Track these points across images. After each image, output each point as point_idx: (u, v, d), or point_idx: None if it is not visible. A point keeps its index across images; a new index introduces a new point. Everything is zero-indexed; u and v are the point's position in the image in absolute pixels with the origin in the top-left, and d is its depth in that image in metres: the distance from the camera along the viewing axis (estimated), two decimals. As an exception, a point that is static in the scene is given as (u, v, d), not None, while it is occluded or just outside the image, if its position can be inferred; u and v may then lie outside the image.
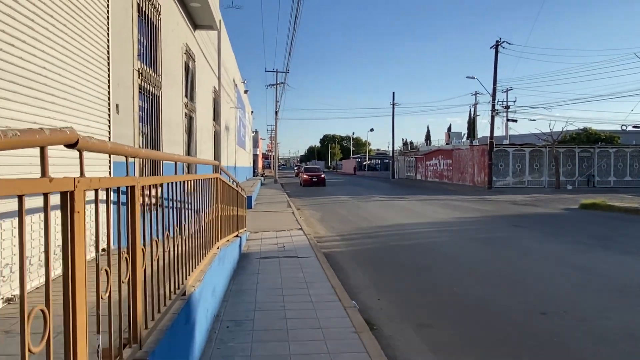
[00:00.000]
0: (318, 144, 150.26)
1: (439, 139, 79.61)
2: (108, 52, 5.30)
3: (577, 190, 30.78)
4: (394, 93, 53.64)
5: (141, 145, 7.01)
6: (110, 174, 5.35)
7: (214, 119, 15.59)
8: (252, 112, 48.66)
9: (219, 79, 17.00)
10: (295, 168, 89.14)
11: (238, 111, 26.47)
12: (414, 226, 13.48)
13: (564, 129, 34.44)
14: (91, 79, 4.88)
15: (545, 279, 7.36)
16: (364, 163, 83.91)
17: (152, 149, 7.69)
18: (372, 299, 6.36)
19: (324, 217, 16.33)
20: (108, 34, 5.29)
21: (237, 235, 8.54)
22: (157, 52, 7.68)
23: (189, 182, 3.93)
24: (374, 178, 58.84)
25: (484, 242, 10.83)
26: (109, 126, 5.32)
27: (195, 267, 4.08)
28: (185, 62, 10.28)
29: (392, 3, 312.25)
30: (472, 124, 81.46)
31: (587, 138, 40.55)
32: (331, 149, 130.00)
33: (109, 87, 5.32)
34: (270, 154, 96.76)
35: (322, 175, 37.28)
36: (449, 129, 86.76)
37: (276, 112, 41.49)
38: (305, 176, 36.88)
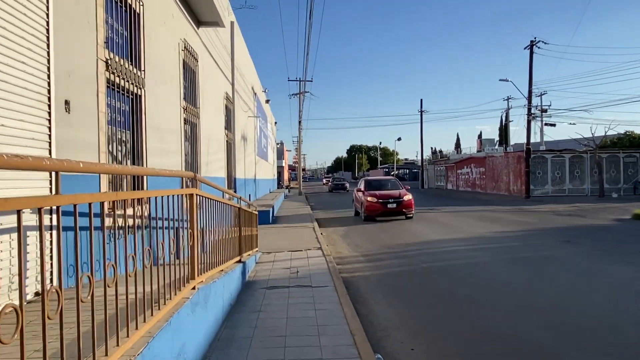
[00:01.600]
0: (345, 155, 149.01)
1: (470, 147, 77.17)
2: (47, 31, 4.03)
3: (623, 199, 28.40)
4: (421, 100, 51.99)
5: (113, 154, 5.72)
6: (52, 190, 4.05)
7: (226, 128, 14.37)
8: (275, 122, 47.65)
9: (232, 84, 15.80)
10: (324, 180, 78.27)
11: (258, 121, 25.31)
12: (449, 243, 11.86)
13: (607, 133, 32.09)
14: (15, 63, 3.60)
15: (632, 319, 5.70)
16: (392, 173, 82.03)
17: (133, 159, 6.41)
18: (403, 349, 4.85)
19: (348, 233, 14.85)
20: (47, 6, 4.02)
21: (239, 261, 7.17)
22: (139, 43, 6.43)
23: (122, 203, 2.55)
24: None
25: (535, 263, 9.16)
26: (49, 127, 4.03)
27: (137, 328, 2.71)
28: (184, 61, 9.05)
29: (419, 11, 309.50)
30: (503, 131, 78.68)
31: (629, 142, 37.90)
32: (358, 160, 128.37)
33: (49, 76, 4.04)
34: (296, 165, 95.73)
35: (408, 198, 18.15)
36: (480, 136, 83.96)
37: (299, 122, 40.34)
38: (370, 200, 18.06)
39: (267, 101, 32.45)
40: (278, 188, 47.37)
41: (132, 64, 6.22)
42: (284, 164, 67.47)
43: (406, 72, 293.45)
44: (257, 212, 10.10)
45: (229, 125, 15.21)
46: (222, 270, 5.79)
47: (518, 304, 6.38)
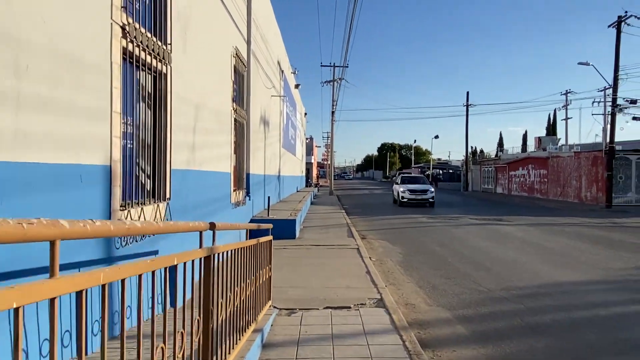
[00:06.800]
0: (375, 153, 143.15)
1: (513, 147, 71.00)
2: None
3: None
4: (467, 93, 46.47)
5: None
6: None
7: (235, 101, 9.83)
8: (305, 113, 43.10)
9: (247, 42, 11.27)
10: (398, 184, 26.13)
11: (285, 104, 20.77)
12: (598, 294, 7.05)
13: None
14: None
15: None
16: (427, 173, 76.65)
17: None
18: None
19: (408, 257, 10.17)
20: None
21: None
22: None
23: None
24: (443, 190, 51.65)
25: None
26: None
27: None
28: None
29: (468, 9, 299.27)
30: (552, 129, 72.25)
31: None
32: (390, 158, 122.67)
33: None
34: (325, 162, 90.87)
35: None
36: (525, 135, 77.88)
37: (332, 113, 35.62)
38: None
39: (297, 86, 27.92)
40: (306, 186, 42.84)
41: None
42: (312, 161, 62.91)
43: (435, 67, 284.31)
44: (270, 238, 5.51)
45: (241, 98, 10.67)
46: None
47: None
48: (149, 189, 5.22)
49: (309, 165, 54.97)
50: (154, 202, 5.16)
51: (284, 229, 11.68)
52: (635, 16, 23.98)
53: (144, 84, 5.09)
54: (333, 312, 5.63)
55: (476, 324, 5.73)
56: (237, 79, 10.07)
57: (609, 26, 25.16)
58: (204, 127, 7.25)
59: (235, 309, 3.55)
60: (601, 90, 41.02)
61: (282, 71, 19.92)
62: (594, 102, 38.44)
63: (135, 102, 4.86)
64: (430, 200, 24.76)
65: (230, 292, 3.28)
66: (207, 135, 7.43)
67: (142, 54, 4.79)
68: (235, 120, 9.84)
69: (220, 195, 8.48)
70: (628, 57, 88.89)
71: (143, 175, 5.09)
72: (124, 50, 4.41)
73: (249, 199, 11.28)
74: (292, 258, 9.20)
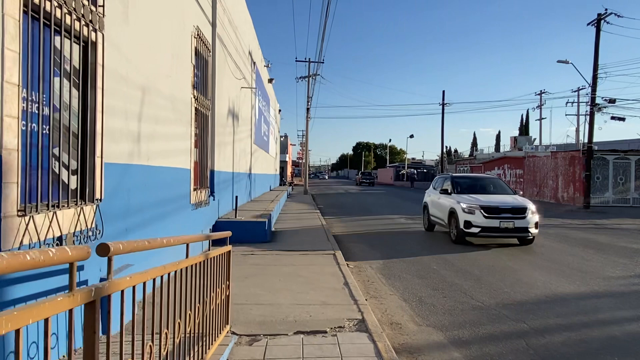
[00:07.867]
0: (351, 152, 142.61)
1: (488, 147, 71.45)
2: None
3: None
4: (444, 92, 46.03)
5: None
6: None
7: (196, 88, 8.70)
8: (279, 110, 41.93)
9: (212, 24, 10.15)
10: (448, 193, 13.00)
11: (256, 98, 19.63)
12: (600, 307, 6.22)
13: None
14: None
15: None
16: (401, 172, 76.38)
17: None
18: None
19: (389, 263, 9.25)
20: None
21: None
22: None
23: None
24: (419, 190, 51.20)
25: None
26: None
27: None
28: None
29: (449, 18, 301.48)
30: (525, 130, 72.88)
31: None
32: (365, 157, 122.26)
33: None
34: (300, 161, 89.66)
35: None
36: (498, 135, 78.45)
37: (308, 109, 34.54)
38: None
39: (271, 80, 26.78)
40: (280, 185, 41.71)
41: None
42: (287, 159, 61.68)
43: (411, 65, 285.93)
44: (229, 248, 4.47)
45: (204, 85, 9.55)
46: None
47: None
48: (72, 187, 4.11)
49: (283, 164, 53.84)
50: (77, 204, 4.05)
51: (253, 232, 10.66)
52: (616, 14, 23.70)
53: (65, 54, 3.98)
54: (305, 339, 4.62)
55: (475, 349, 4.80)
56: (199, 63, 8.95)
57: (588, 24, 24.82)
58: (154, 115, 6.14)
59: (167, 354, 2.52)
60: (575, 91, 41.31)
61: (254, 63, 18.79)
62: (567, 102, 38.61)
63: (49, 74, 3.75)
64: (533, 231, 11.47)
65: (153, 343, 2.24)
66: (158, 125, 6.32)
67: (59, 12, 3.68)
68: (196, 110, 8.72)
69: (177, 194, 7.37)
70: (608, 56, 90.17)
71: (63, 169, 3.98)
72: (27, 3, 3.31)
73: (214, 199, 10.17)
74: (260, 266, 8.15)
